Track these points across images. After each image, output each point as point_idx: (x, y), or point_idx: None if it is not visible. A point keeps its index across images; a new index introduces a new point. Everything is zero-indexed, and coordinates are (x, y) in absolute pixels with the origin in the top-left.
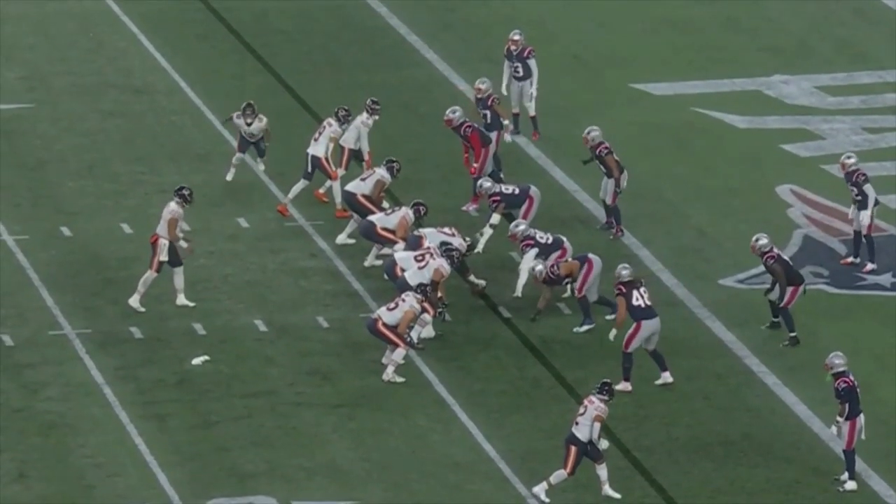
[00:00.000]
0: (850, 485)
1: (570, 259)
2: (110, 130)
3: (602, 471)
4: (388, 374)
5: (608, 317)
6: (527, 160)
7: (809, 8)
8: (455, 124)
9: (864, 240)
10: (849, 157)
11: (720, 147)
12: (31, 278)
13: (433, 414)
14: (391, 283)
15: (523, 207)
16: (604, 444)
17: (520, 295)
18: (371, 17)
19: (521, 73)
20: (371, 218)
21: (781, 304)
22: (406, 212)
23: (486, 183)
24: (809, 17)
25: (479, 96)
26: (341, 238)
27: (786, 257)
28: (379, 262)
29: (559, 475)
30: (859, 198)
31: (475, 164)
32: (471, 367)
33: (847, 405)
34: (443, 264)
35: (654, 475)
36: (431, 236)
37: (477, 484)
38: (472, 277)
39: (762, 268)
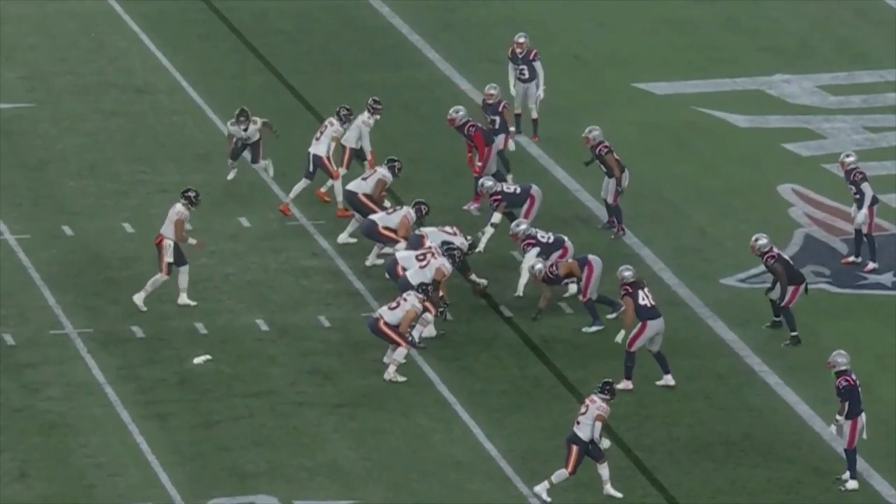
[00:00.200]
0: (852, 484)
1: (570, 259)
2: (111, 130)
3: (603, 470)
4: (390, 373)
5: (609, 315)
6: (528, 160)
7: (810, 8)
8: (458, 124)
9: (864, 239)
10: (848, 156)
11: (721, 146)
12: (33, 278)
13: (434, 413)
14: (392, 283)
15: (524, 207)
16: (605, 443)
17: (521, 294)
18: (372, 16)
19: (526, 76)
20: (372, 217)
21: (782, 304)
22: (407, 211)
23: (488, 182)
24: (810, 16)
25: (489, 101)
26: (343, 237)
27: (786, 256)
28: (380, 262)
29: (560, 474)
30: (857, 196)
31: (479, 164)
32: (472, 367)
33: (847, 404)
34: (444, 263)
35: (656, 475)
36: (433, 235)
37: (478, 483)
38: (473, 277)
39: (763, 267)
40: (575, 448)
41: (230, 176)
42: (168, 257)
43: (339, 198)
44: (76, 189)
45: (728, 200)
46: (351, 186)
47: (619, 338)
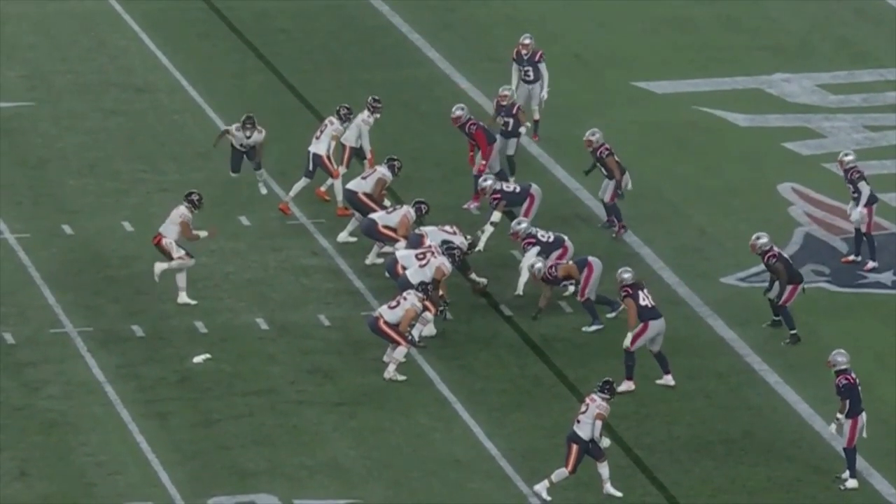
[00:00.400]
0: (852, 483)
1: (570, 261)
2: (111, 129)
3: (603, 469)
4: (390, 372)
5: (609, 315)
6: (529, 159)
7: (810, 7)
8: (461, 122)
9: (863, 238)
10: (846, 155)
11: (721, 145)
12: (33, 276)
13: (434, 412)
14: (392, 282)
15: (524, 205)
16: (605, 442)
17: (521, 293)
18: (372, 15)
19: (531, 77)
20: (372, 216)
21: (780, 303)
22: (407, 210)
23: (488, 181)
24: (810, 15)
25: (503, 103)
26: (343, 236)
27: (786, 255)
28: (380, 261)
29: (560, 473)
30: (856, 195)
31: (483, 162)
32: (472, 366)
33: (847, 402)
34: (444, 262)
35: (656, 473)
36: (433, 234)
37: (478, 482)
38: (473, 276)
39: (763, 266)
40: (575, 447)
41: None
42: (177, 252)
43: (339, 197)
44: (76, 188)
45: (728, 199)
46: (351, 185)
47: (627, 342)
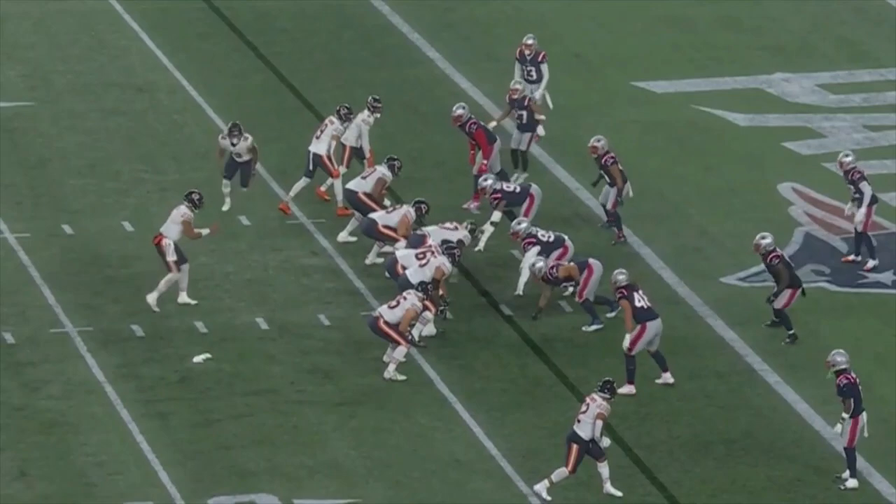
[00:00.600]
0: (852, 483)
1: (571, 262)
2: (112, 129)
3: (604, 469)
4: (390, 371)
5: (608, 315)
6: (529, 158)
7: (811, 7)
8: (462, 121)
9: (862, 237)
10: (846, 156)
11: (722, 145)
12: (33, 276)
13: (434, 412)
14: (392, 282)
15: (524, 206)
16: (605, 442)
17: (521, 293)
18: (372, 15)
19: (534, 77)
20: (372, 216)
21: (779, 307)
22: (408, 210)
23: (488, 180)
24: (811, 15)
25: (514, 97)
26: (343, 236)
27: (787, 259)
28: (380, 261)
29: (560, 473)
30: (857, 196)
31: (483, 162)
32: (472, 366)
33: (852, 401)
34: (444, 262)
35: (656, 473)
36: (435, 234)
37: (478, 482)
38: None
39: (763, 266)
40: (575, 447)
41: (225, 207)
42: (171, 256)
43: (339, 196)
44: (76, 188)
45: (728, 199)
46: (351, 185)
47: (626, 343)
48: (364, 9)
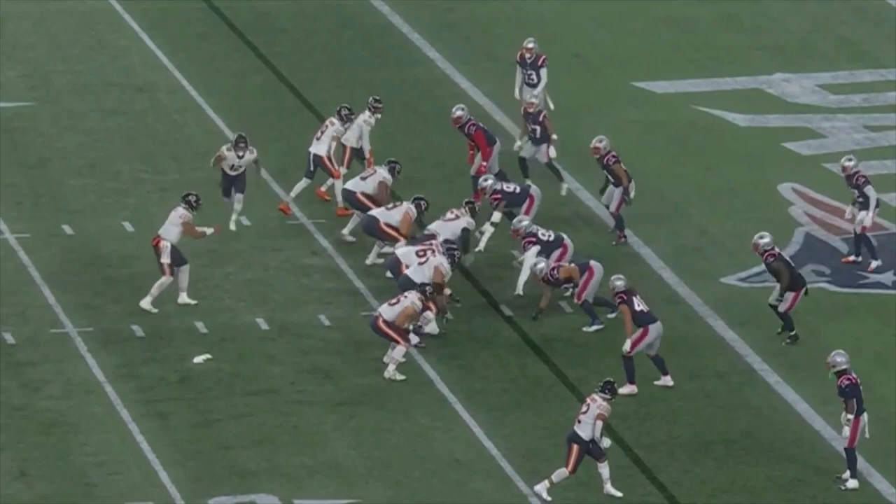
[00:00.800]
0: (852, 483)
1: (572, 263)
2: (112, 129)
3: (604, 469)
4: (389, 371)
5: (609, 315)
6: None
7: (811, 6)
8: (461, 123)
9: (861, 238)
10: (849, 160)
11: (722, 145)
12: (33, 276)
13: (434, 412)
14: (392, 281)
15: (524, 206)
16: (606, 442)
17: (521, 293)
18: (372, 15)
19: (535, 81)
20: (373, 213)
21: (783, 310)
22: (409, 207)
23: (488, 181)
24: (811, 15)
25: (529, 111)
26: (346, 231)
27: (787, 258)
28: (380, 261)
29: (561, 474)
30: (860, 199)
31: (483, 164)
32: (472, 366)
33: (854, 401)
34: (442, 263)
35: (656, 473)
36: (441, 229)
37: (478, 482)
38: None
39: (763, 266)
40: (575, 447)
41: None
42: (165, 258)
43: (339, 197)
44: (76, 188)
45: (728, 199)
46: (349, 185)
47: (626, 347)
48: (364, 9)
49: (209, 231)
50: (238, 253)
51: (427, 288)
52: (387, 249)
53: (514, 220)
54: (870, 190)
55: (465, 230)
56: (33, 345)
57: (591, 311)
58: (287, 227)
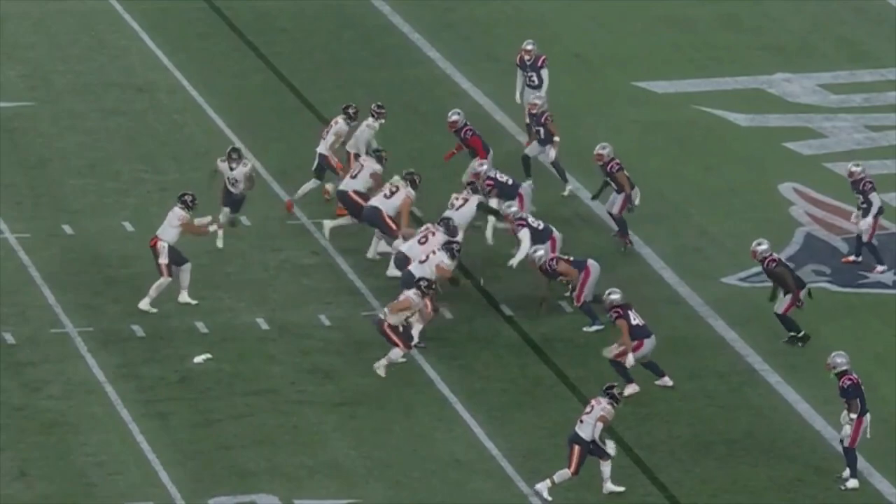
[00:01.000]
0: (853, 483)
1: (570, 257)
2: (112, 129)
3: (606, 467)
4: (379, 364)
5: (587, 328)
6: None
7: (811, 6)
8: (457, 127)
9: (864, 245)
10: (856, 166)
11: (722, 145)
12: (33, 276)
13: (435, 412)
14: (393, 281)
15: (515, 201)
16: (612, 448)
17: (514, 266)
18: (372, 15)
19: (535, 83)
20: (374, 202)
21: (780, 311)
22: (407, 191)
23: (483, 166)
24: (811, 15)
25: (533, 112)
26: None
27: (786, 262)
28: (379, 258)
29: (563, 474)
30: (865, 205)
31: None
32: (472, 366)
33: (857, 401)
34: (443, 260)
35: (657, 473)
36: (455, 216)
37: (479, 482)
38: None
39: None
40: (577, 448)
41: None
42: (163, 259)
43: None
44: (76, 188)
45: (729, 199)
46: (341, 186)
47: (629, 362)
48: (364, 9)
49: (213, 228)
50: (238, 253)
51: (423, 283)
52: (385, 250)
53: (504, 205)
54: (874, 197)
55: (479, 205)
56: (33, 345)
57: (591, 312)
58: (287, 227)
